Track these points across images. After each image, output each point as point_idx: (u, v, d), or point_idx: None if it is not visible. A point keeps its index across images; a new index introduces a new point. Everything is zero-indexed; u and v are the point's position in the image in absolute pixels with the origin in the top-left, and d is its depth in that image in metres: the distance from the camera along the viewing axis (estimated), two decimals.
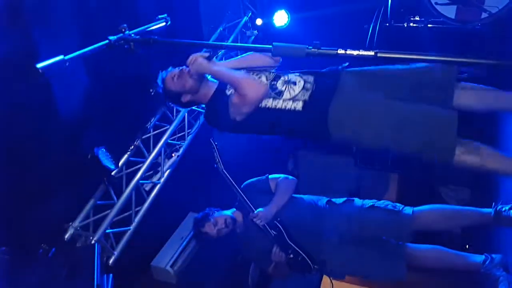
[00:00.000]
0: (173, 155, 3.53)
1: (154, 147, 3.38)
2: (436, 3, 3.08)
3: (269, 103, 2.15)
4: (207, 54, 2.18)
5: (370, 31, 3.52)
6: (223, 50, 3.41)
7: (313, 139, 2.29)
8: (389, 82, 2.13)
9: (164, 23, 2.10)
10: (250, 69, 2.26)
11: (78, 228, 3.00)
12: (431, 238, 2.78)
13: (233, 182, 2.68)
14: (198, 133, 3.70)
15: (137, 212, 3.27)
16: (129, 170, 3.28)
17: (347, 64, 2.22)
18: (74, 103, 2.82)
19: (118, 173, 3.16)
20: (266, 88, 2.16)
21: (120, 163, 3.19)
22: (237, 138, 4.33)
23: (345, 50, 1.33)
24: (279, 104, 2.14)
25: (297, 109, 2.11)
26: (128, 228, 3.21)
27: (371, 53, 1.30)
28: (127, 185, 3.20)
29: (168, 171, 3.47)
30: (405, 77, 2.12)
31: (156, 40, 1.54)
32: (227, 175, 2.67)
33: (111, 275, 2.84)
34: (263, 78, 2.22)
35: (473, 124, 3.61)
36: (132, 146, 3.29)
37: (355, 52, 1.32)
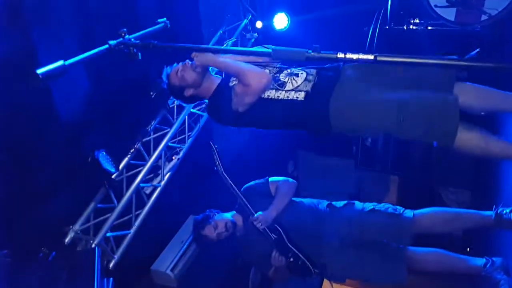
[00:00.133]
0: (173, 158, 3.53)
1: (154, 150, 3.37)
2: (435, 6, 3.08)
3: (272, 94, 2.19)
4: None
5: (370, 33, 3.53)
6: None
7: (314, 130, 2.28)
8: (390, 75, 2.14)
9: (163, 27, 2.11)
10: (254, 64, 2.26)
11: (79, 232, 3.00)
12: (432, 241, 2.78)
13: (233, 185, 2.68)
14: (199, 136, 3.70)
15: (137, 216, 3.27)
16: (129, 173, 3.28)
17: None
18: (75, 106, 2.83)
19: (118, 176, 3.17)
20: (269, 77, 2.18)
21: (120, 166, 3.18)
22: (237, 141, 4.35)
23: (345, 54, 1.33)
24: (282, 95, 2.17)
25: (299, 99, 2.14)
26: (129, 231, 3.21)
27: (371, 57, 1.30)
28: (127, 188, 3.20)
29: (168, 174, 3.47)
30: (406, 71, 2.13)
31: (156, 45, 1.54)
32: (227, 178, 2.67)
33: (111, 279, 2.84)
34: (267, 71, 2.25)
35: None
36: (133, 149, 3.29)
37: (354, 56, 1.32)
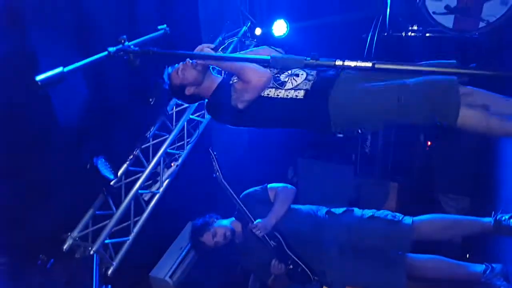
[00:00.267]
0: (172, 164, 3.53)
1: (153, 156, 3.37)
2: (434, 13, 3.10)
3: (272, 92, 2.20)
4: (213, 45, 2.22)
5: (368, 40, 3.54)
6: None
7: (313, 127, 2.29)
8: (390, 74, 2.13)
9: (163, 34, 2.12)
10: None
11: (77, 239, 2.98)
12: (431, 248, 2.77)
13: (232, 192, 2.68)
14: (198, 143, 3.70)
15: (136, 222, 3.26)
16: (128, 180, 3.27)
17: None
18: (73, 112, 2.83)
19: (117, 183, 3.16)
20: (269, 75, 2.20)
21: (119, 173, 3.18)
22: (236, 147, 4.34)
23: (343, 61, 1.34)
24: (281, 93, 2.19)
25: (298, 97, 2.16)
26: (127, 238, 3.20)
27: (369, 64, 1.31)
28: (126, 195, 3.19)
29: (167, 180, 3.46)
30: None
31: (156, 52, 1.55)
32: (226, 185, 2.67)
33: (109, 286, 2.83)
34: (267, 70, 2.25)
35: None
36: (132, 156, 3.29)
37: (352, 64, 1.33)
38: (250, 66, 2.16)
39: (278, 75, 2.27)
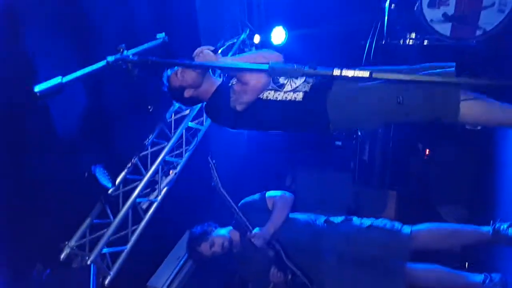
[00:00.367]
0: (170, 172, 3.52)
1: (151, 164, 3.36)
2: (431, 21, 3.11)
3: (271, 95, 2.20)
4: (212, 48, 2.21)
5: (366, 48, 3.56)
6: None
7: (312, 127, 2.28)
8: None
9: (162, 42, 2.12)
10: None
11: (74, 248, 2.97)
12: (430, 257, 2.76)
13: (231, 201, 2.66)
14: (196, 150, 3.69)
15: (133, 231, 3.24)
16: (126, 188, 3.26)
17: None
18: (71, 120, 2.83)
19: (115, 191, 3.15)
20: (268, 77, 2.18)
21: (117, 181, 3.17)
22: (235, 155, 4.33)
23: (341, 71, 1.34)
24: (280, 95, 2.19)
25: (297, 99, 2.15)
26: (125, 247, 3.18)
27: (366, 73, 1.31)
28: (123, 203, 3.17)
29: (165, 188, 3.45)
30: (404, 72, 2.11)
31: (154, 61, 1.54)
32: (225, 193, 2.65)
33: None
34: None
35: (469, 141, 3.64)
36: (130, 164, 3.28)
37: (350, 73, 1.33)
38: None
39: (277, 77, 2.25)
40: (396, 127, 3.95)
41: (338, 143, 4.30)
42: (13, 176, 2.55)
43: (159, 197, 3.39)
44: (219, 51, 2.25)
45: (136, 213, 3.27)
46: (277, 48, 4.20)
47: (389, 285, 2.56)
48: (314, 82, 2.21)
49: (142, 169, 3.32)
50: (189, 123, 3.64)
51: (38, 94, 1.23)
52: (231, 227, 2.81)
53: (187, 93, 2.35)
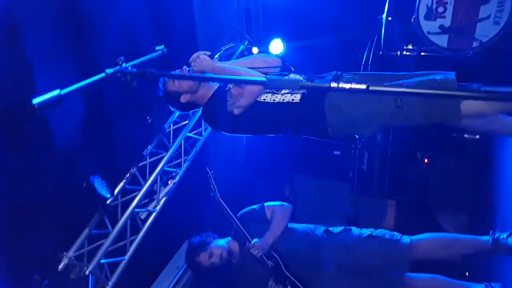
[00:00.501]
0: (169, 182, 3.51)
1: (150, 174, 3.36)
2: (428, 33, 3.14)
3: (268, 97, 2.18)
4: (209, 53, 2.20)
5: (364, 59, 3.58)
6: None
7: (310, 130, 2.23)
8: (388, 76, 2.13)
9: (161, 54, 2.14)
10: (253, 70, 2.24)
11: (72, 258, 2.95)
12: (430, 267, 2.75)
13: (229, 211, 2.67)
14: (195, 160, 3.69)
15: (132, 242, 3.23)
16: (124, 199, 3.25)
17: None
18: (70, 130, 2.83)
19: (113, 202, 3.14)
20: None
21: (115, 191, 3.16)
22: (233, 164, 4.34)
23: (338, 84, 1.35)
24: (278, 98, 2.16)
25: (295, 101, 2.13)
26: (123, 258, 3.16)
27: (363, 86, 1.32)
28: (122, 213, 3.16)
29: (164, 198, 3.44)
30: (403, 77, 2.11)
31: (153, 73, 1.56)
32: (223, 204, 2.66)
33: None
34: (263, 75, 2.19)
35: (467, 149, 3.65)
36: (128, 174, 3.28)
37: (347, 86, 1.34)
38: (247, 72, 2.14)
39: None
40: (394, 136, 3.96)
41: (337, 152, 4.31)
42: (12, 186, 2.55)
43: (158, 207, 3.38)
44: (216, 56, 2.23)
45: (135, 223, 3.26)
46: None
47: None
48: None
49: (141, 179, 3.32)
50: (188, 133, 3.65)
51: (36, 106, 1.23)
52: (230, 238, 2.81)
53: (184, 99, 2.32)
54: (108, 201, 3.05)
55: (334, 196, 4.22)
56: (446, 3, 3.04)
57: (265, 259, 2.57)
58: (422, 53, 3.54)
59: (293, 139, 4.44)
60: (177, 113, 3.58)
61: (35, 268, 2.74)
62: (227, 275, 2.91)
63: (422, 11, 3.10)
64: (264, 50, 4.23)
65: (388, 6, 3.38)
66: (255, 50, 4.31)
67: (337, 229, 2.71)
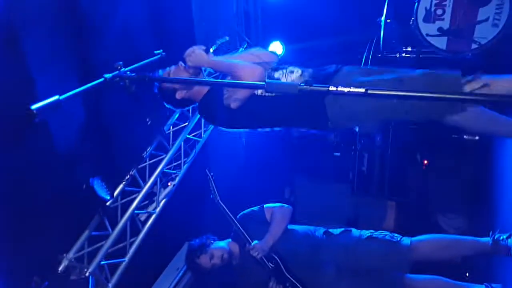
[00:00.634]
0: (169, 184, 3.52)
1: (150, 176, 3.36)
2: (427, 35, 3.15)
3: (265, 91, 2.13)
4: (204, 47, 2.14)
5: (363, 61, 3.59)
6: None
7: (311, 123, 2.19)
8: (391, 69, 2.08)
9: (160, 58, 2.14)
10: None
11: (72, 260, 2.95)
12: (431, 268, 2.75)
13: (229, 213, 2.67)
14: (195, 162, 3.70)
15: (132, 243, 3.23)
16: (124, 200, 3.26)
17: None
18: (69, 132, 2.84)
19: (113, 204, 3.15)
20: (261, 72, 2.07)
21: (115, 193, 3.17)
22: (233, 166, 4.34)
23: (337, 87, 1.35)
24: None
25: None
26: (123, 259, 3.17)
27: (362, 90, 1.32)
28: (122, 215, 3.17)
29: (163, 200, 3.45)
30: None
31: (152, 78, 1.56)
32: (223, 206, 2.66)
33: None
34: (260, 67, 2.13)
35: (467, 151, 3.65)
36: (128, 176, 3.28)
37: (346, 89, 1.34)
38: (243, 64, 2.09)
39: (272, 73, 2.17)
40: (394, 137, 3.97)
41: (337, 154, 4.32)
42: (11, 188, 2.55)
43: (158, 209, 3.39)
44: (211, 50, 2.17)
45: (135, 225, 3.27)
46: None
47: None
48: (311, 75, 2.12)
49: (140, 181, 3.32)
50: (187, 135, 3.66)
51: (35, 111, 1.24)
52: (230, 240, 2.81)
53: (179, 95, 2.24)
54: (108, 203, 3.05)
55: (334, 197, 4.23)
56: (445, 5, 3.04)
57: (265, 260, 2.57)
58: (421, 55, 3.55)
59: (293, 141, 4.45)
60: (177, 114, 3.59)
61: (35, 270, 2.74)
62: (227, 276, 2.91)
63: (421, 14, 3.11)
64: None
65: (387, 8, 3.39)
66: None
67: (337, 231, 2.71)
